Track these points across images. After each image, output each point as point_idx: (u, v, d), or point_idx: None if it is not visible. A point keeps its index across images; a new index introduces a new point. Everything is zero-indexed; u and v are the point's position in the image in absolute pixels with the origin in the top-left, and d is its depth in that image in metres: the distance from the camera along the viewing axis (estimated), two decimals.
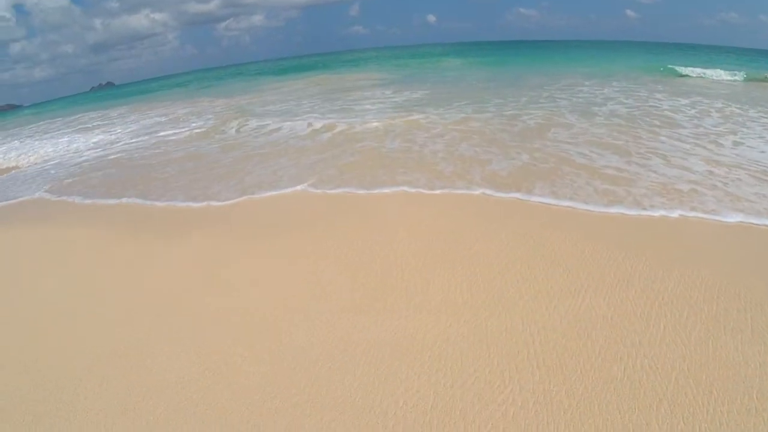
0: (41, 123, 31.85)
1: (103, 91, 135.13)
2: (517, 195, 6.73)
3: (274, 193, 8.03)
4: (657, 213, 5.82)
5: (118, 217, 7.95)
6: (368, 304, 4.27)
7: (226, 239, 6.26)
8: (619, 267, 4.54)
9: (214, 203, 7.89)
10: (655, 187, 6.63)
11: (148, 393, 3.53)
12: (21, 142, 21.75)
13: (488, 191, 6.95)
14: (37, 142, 20.31)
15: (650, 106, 13.63)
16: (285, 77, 38.85)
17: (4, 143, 22.46)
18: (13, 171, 14.29)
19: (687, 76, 22.11)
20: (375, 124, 12.77)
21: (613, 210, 5.98)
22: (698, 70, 22.66)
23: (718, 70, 22.35)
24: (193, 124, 17.76)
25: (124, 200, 8.80)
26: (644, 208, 5.96)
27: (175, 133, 16.24)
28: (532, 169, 7.80)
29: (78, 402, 3.49)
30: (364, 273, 4.87)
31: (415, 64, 36.84)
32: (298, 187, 8.05)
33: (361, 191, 7.54)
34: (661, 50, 47.02)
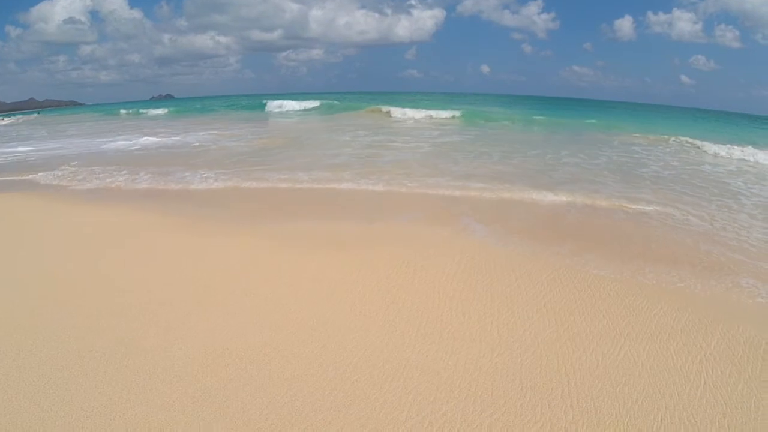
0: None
1: (163, 101, 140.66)
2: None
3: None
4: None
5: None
6: (402, 325, 4.25)
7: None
8: (661, 319, 4.43)
9: None
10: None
11: (170, 379, 3.58)
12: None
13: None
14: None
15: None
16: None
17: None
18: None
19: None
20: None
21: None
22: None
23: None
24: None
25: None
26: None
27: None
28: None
29: (105, 378, 3.53)
30: (404, 294, 4.87)
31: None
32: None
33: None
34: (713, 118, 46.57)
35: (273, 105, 48.01)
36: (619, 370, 3.65)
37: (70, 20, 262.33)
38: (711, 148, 18.40)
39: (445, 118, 30.77)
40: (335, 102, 46.04)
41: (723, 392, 3.45)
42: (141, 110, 53.78)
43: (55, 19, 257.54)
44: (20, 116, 66.74)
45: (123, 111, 54.56)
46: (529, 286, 5.03)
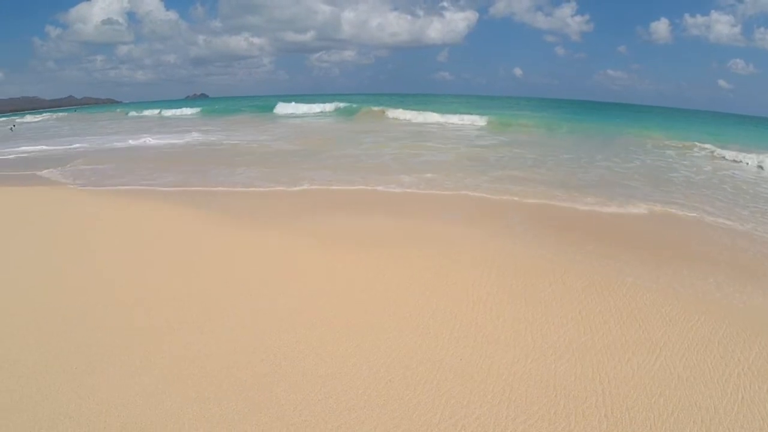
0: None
1: (198, 100, 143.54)
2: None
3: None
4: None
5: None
6: (435, 327, 4.26)
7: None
8: (698, 330, 4.36)
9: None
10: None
11: (205, 371, 3.65)
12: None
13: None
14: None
15: None
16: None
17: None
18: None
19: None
20: None
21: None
22: None
23: None
24: None
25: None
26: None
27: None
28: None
29: (141, 367, 3.60)
30: (437, 296, 4.90)
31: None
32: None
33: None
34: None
35: (287, 108, 48.29)
36: (654, 381, 3.61)
37: (108, 21, 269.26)
38: (745, 156, 17.87)
39: (475, 124, 30.39)
40: (352, 105, 46.00)
41: (761, 408, 3.39)
42: (174, 109, 55.62)
43: (93, 20, 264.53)
44: (60, 113, 69.02)
45: (149, 111, 56.37)
46: (563, 292, 5.00)
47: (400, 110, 36.99)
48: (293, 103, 49.09)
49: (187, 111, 53.69)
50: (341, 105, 46.75)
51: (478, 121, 30.76)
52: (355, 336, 4.12)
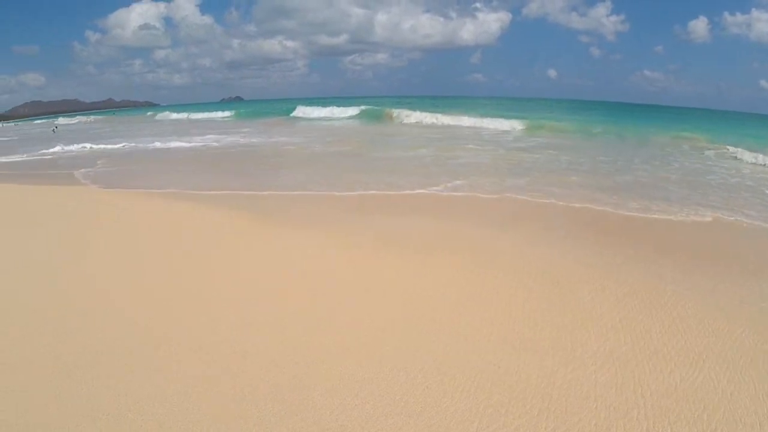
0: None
1: (233, 102, 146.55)
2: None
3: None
4: None
5: None
6: (473, 334, 4.23)
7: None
8: (742, 342, 4.24)
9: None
10: None
11: (242, 372, 3.68)
12: None
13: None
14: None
15: None
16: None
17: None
18: None
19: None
20: None
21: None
22: None
23: None
24: None
25: None
26: None
27: None
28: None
29: (179, 368, 3.65)
30: (475, 301, 4.88)
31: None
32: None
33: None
34: None
35: (306, 111, 48.89)
36: (698, 395, 3.52)
37: (145, 26, 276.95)
38: None
39: (509, 127, 29.95)
40: (377, 108, 46.12)
41: None
42: (207, 112, 57.12)
43: (131, 25, 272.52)
44: (99, 116, 71.69)
45: (178, 115, 58.00)
46: (603, 300, 4.92)
47: (431, 114, 36.82)
48: (312, 107, 49.81)
49: (219, 114, 54.87)
50: (364, 108, 46.44)
51: (513, 124, 30.30)
52: (392, 340, 4.12)
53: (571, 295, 5.01)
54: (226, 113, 55.64)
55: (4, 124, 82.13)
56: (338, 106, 48.76)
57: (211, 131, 30.36)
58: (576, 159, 16.18)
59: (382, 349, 3.99)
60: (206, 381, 3.57)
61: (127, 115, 72.59)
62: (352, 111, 45.97)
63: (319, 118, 44.70)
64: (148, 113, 71.01)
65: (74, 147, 21.52)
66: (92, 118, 67.63)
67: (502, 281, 5.35)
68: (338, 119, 43.37)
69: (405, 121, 36.83)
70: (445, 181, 11.84)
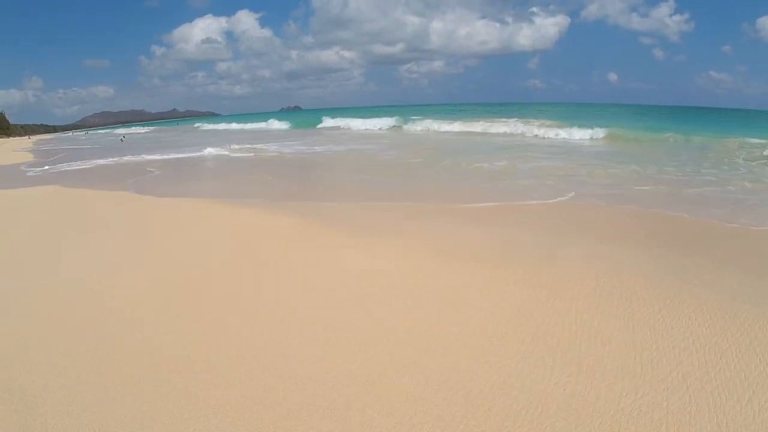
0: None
1: (292, 112, 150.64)
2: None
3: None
4: None
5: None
6: (536, 352, 4.11)
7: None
8: None
9: None
10: None
11: (294, 386, 3.68)
12: None
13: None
14: None
15: None
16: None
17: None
18: None
19: None
20: None
21: None
22: None
23: None
24: None
25: None
26: None
27: None
28: None
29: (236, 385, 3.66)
30: (538, 317, 4.76)
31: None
32: None
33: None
34: None
35: (335, 122, 50.03)
36: None
37: (208, 40, 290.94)
38: None
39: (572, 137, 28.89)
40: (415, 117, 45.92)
41: None
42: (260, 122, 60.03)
43: (194, 40, 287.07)
44: (163, 126, 75.78)
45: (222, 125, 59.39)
46: (674, 319, 4.67)
47: (489, 122, 36.32)
48: (339, 118, 51.33)
49: (275, 124, 56.14)
50: (392, 121, 45.67)
51: (576, 133, 29.24)
52: (451, 357, 4.04)
53: (639, 313, 4.77)
54: (283, 124, 56.41)
55: (75, 133, 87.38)
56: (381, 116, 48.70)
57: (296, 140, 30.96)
58: (643, 166, 15.71)
59: (440, 366, 3.90)
60: (258, 397, 3.56)
61: (189, 123, 76.11)
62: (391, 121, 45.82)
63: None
64: (195, 124, 73.67)
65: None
66: (160, 128, 71.34)
67: (569, 296, 5.18)
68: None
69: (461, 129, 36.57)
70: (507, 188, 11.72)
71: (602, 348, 4.15)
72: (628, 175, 14.00)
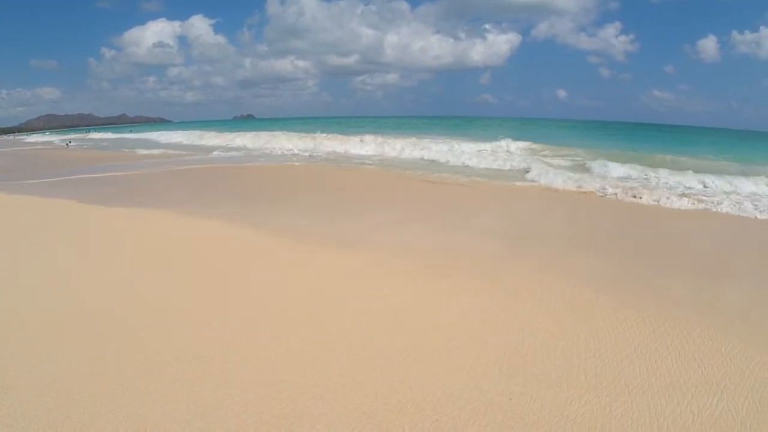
0: None
1: (245, 121, 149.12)
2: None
3: None
4: None
5: None
6: (484, 362, 4.15)
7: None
8: (762, 370, 4.11)
9: None
10: None
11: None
12: None
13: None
14: None
15: None
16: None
17: None
18: None
19: None
20: None
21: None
22: None
23: None
24: None
25: None
26: None
27: None
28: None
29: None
30: (486, 328, 4.81)
31: None
32: None
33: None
34: None
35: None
36: (716, 427, 3.40)
37: (159, 44, 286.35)
38: None
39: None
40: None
41: None
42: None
43: (146, 43, 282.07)
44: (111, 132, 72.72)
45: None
46: (617, 328, 4.79)
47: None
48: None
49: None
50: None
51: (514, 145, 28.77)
52: (401, 370, 4.02)
53: (584, 323, 4.88)
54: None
55: (16, 136, 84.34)
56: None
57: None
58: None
59: (390, 379, 3.89)
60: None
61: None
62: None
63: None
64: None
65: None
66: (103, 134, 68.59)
67: (516, 308, 5.25)
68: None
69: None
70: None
71: (547, 358, 4.21)
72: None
